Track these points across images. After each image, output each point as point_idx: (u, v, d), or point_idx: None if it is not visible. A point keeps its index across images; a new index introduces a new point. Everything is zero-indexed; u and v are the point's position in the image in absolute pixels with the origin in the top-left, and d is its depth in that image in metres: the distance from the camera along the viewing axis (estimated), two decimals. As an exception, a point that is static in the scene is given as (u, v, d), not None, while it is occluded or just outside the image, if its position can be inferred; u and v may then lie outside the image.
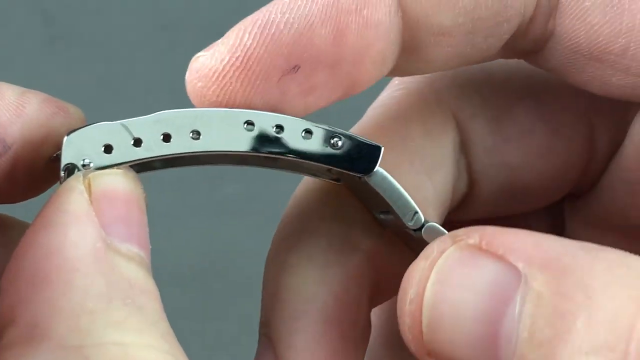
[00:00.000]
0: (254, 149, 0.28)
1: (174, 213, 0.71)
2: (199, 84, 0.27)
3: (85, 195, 0.26)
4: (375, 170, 0.28)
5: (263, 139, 0.28)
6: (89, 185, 0.26)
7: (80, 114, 0.29)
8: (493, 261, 0.25)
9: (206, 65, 0.28)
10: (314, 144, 0.28)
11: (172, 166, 0.29)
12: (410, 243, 0.29)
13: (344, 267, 0.30)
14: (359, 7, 0.27)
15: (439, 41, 0.28)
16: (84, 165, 0.27)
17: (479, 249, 0.26)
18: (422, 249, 0.26)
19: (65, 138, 0.27)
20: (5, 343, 0.24)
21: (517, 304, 0.25)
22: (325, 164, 0.28)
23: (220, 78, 0.27)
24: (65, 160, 0.27)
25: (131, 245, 0.26)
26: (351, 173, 0.28)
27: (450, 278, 0.26)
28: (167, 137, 0.27)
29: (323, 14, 0.27)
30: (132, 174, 0.27)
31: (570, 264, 0.25)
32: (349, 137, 0.28)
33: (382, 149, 0.28)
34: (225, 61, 0.27)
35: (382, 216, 0.30)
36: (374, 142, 0.28)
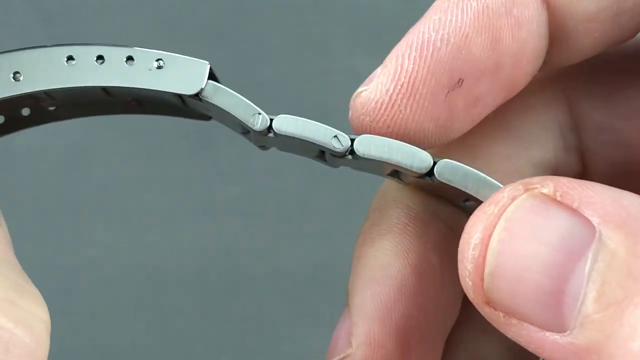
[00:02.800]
0: (77, 84, 0.26)
1: (174, 213, 0.71)
2: (367, 119, 0.27)
3: None
4: (204, 86, 0.27)
5: (86, 72, 0.26)
6: None
7: None
8: (567, 213, 0.24)
9: (371, 99, 0.27)
10: (138, 69, 0.26)
11: (19, 127, 0.28)
12: None
13: (422, 237, 0.29)
14: (508, 8, 0.27)
15: (586, 28, 0.27)
16: None
17: (553, 199, 0.25)
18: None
19: None
20: None
21: (589, 260, 0.24)
22: (150, 87, 0.26)
23: (388, 109, 0.27)
24: None
25: None
26: (180, 93, 0.27)
27: (519, 227, 0.24)
28: None
29: (476, 23, 0.27)
30: None
31: None
32: (173, 58, 0.27)
33: (209, 64, 0.27)
34: (390, 91, 0.27)
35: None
36: (200, 60, 0.27)
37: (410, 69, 0.27)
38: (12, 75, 0.26)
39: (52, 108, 0.28)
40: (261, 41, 0.74)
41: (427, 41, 0.27)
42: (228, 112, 0.27)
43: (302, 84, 0.73)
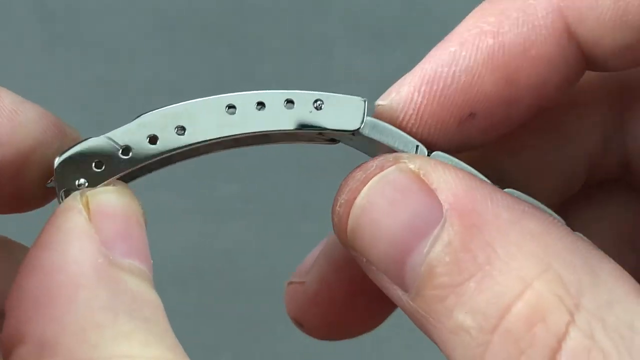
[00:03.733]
0: (241, 133, 0.28)
1: (173, 213, 0.71)
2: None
3: (84, 213, 0.26)
4: (364, 121, 0.28)
5: (247, 119, 0.28)
6: (87, 203, 0.27)
7: (77, 135, 0.29)
8: (423, 193, 0.26)
9: (385, 115, 0.28)
10: (298, 112, 0.27)
11: (168, 164, 0.29)
12: None
13: None
14: (526, 48, 0.27)
15: (622, 54, 0.27)
16: (79, 185, 0.27)
17: (416, 176, 0.26)
18: None
19: (56, 163, 0.27)
20: None
21: (429, 243, 0.25)
22: (314, 129, 0.28)
23: (402, 126, 0.28)
24: (60, 186, 0.27)
25: (132, 260, 0.26)
26: (342, 130, 0.28)
27: (378, 199, 0.26)
28: (153, 139, 0.27)
29: (489, 63, 0.27)
30: (127, 190, 0.27)
31: (489, 223, 0.25)
32: (331, 97, 0.28)
33: (365, 100, 0.28)
34: (400, 118, 0.28)
35: None
36: (355, 96, 0.28)
37: (419, 101, 0.28)
38: (175, 130, 0.27)
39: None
40: (261, 41, 0.74)
41: (439, 76, 0.27)
42: (384, 144, 0.28)
43: (302, 84, 0.73)
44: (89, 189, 0.27)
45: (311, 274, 0.31)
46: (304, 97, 0.28)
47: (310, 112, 0.28)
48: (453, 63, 0.27)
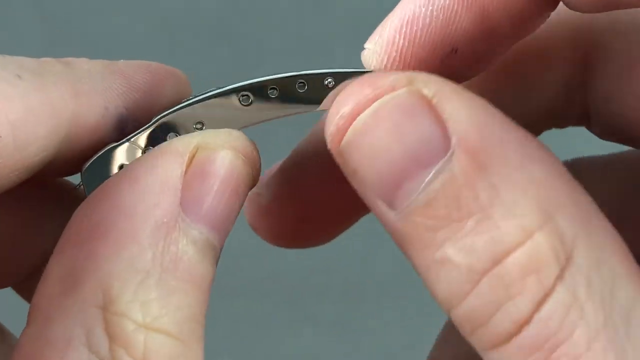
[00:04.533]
0: (259, 119, 0.28)
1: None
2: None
3: (183, 166, 0.26)
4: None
5: (263, 105, 0.28)
6: (194, 154, 0.26)
7: (185, 78, 0.30)
8: (432, 122, 0.25)
9: (370, 60, 0.28)
10: (310, 93, 0.28)
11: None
12: None
13: None
14: None
15: None
16: None
17: (427, 102, 0.25)
18: None
19: (83, 173, 0.28)
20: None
21: (431, 174, 0.25)
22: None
23: (387, 66, 0.28)
24: (89, 192, 0.27)
25: (203, 229, 0.26)
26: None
27: (385, 120, 0.26)
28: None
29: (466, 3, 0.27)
30: (248, 148, 0.27)
31: (497, 164, 0.25)
32: (340, 74, 0.28)
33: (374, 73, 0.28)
34: (384, 61, 0.28)
35: None
36: (363, 69, 0.28)
37: (400, 44, 0.28)
38: (194, 126, 0.28)
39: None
40: (261, 41, 0.74)
41: (417, 17, 0.27)
42: None
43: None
44: (209, 132, 0.27)
45: (266, 187, 0.31)
46: (313, 78, 0.28)
47: (323, 91, 0.28)
48: (430, 2, 0.27)
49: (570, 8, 0.27)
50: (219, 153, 0.27)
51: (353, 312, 0.74)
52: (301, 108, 0.28)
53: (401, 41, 0.27)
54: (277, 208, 0.32)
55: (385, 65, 0.28)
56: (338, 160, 0.26)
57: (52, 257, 0.25)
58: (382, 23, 0.28)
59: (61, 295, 0.25)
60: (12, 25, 0.74)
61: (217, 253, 0.27)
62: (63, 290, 0.25)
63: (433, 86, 0.26)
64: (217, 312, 0.74)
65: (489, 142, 0.25)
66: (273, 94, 0.28)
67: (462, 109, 0.25)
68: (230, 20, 0.73)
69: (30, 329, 0.25)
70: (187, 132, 0.28)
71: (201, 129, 0.28)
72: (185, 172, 0.26)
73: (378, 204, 0.26)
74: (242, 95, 0.28)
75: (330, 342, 0.73)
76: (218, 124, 0.28)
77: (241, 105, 0.28)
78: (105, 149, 0.28)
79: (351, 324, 0.74)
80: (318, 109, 0.28)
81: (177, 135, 0.28)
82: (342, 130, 0.26)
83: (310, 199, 0.31)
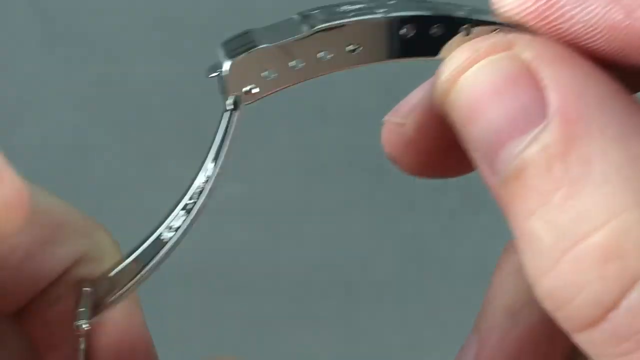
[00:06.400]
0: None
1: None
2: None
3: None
4: None
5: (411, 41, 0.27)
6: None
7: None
8: (531, 88, 0.25)
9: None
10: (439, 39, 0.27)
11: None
12: None
13: None
14: None
15: None
16: (246, 92, 0.27)
17: (526, 68, 0.25)
18: None
19: (230, 64, 0.27)
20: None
21: (527, 141, 0.24)
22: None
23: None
24: (231, 89, 0.27)
25: None
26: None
27: (483, 83, 0.25)
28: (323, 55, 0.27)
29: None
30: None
31: (593, 137, 0.24)
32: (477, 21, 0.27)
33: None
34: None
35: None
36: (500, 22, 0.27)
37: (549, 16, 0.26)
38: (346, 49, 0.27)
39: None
40: (261, 41, 0.73)
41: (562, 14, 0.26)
42: None
43: (302, 83, 0.73)
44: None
45: (411, 118, 0.29)
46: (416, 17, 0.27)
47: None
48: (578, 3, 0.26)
49: None
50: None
51: (353, 312, 0.74)
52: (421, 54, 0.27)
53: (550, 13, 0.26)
54: (422, 141, 0.30)
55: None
56: (444, 113, 0.26)
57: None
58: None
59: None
60: (12, 25, 0.74)
61: None
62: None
63: (533, 50, 0.25)
64: (216, 310, 0.74)
65: (588, 112, 0.24)
66: (406, 33, 0.27)
67: (562, 74, 0.25)
68: (230, 20, 0.73)
69: None
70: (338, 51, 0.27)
71: (353, 51, 0.27)
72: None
73: (482, 165, 0.25)
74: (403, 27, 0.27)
75: (330, 341, 0.73)
76: (370, 49, 0.27)
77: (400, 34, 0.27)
78: (249, 49, 0.27)
79: (351, 324, 0.74)
80: (437, 57, 0.27)
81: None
82: (447, 90, 0.26)
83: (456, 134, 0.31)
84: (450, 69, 0.26)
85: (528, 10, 0.26)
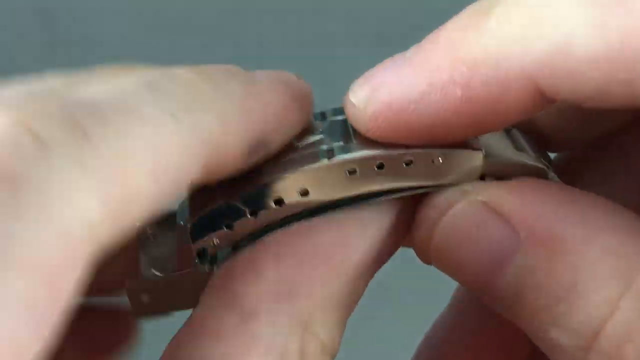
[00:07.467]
0: (362, 192, 0.28)
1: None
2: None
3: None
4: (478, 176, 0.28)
5: (369, 180, 0.28)
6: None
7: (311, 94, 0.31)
8: (498, 222, 0.26)
9: (355, 114, 0.29)
10: (417, 171, 0.28)
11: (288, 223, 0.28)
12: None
13: None
14: (494, 104, 0.26)
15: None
16: (212, 245, 0.28)
17: (486, 207, 0.27)
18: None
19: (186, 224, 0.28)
20: None
21: (512, 270, 0.26)
22: (433, 187, 0.28)
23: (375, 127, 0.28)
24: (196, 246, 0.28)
25: None
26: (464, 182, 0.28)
27: (455, 234, 0.27)
28: (278, 202, 0.28)
29: (457, 113, 0.27)
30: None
31: (567, 245, 0.26)
32: (449, 152, 0.27)
33: (482, 152, 0.28)
34: (368, 130, 0.28)
35: None
36: (473, 148, 0.28)
37: (382, 126, 0.28)
38: (299, 194, 0.28)
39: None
40: (261, 41, 0.73)
41: (403, 109, 0.27)
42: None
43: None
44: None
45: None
46: (421, 155, 0.27)
47: (429, 168, 0.28)
48: (419, 101, 0.27)
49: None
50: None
51: (353, 311, 0.73)
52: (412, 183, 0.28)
53: (383, 124, 0.27)
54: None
55: (369, 131, 0.28)
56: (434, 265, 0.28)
57: (266, 261, 0.27)
58: (366, 80, 0.29)
59: (276, 297, 0.26)
60: (12, 25, 0.74)
61: None
62: (277, 294, 0.26)
63: (484, 191, 0.27)
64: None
65: (553, 226, 0.26)
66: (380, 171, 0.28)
67: (516, 203, 0.26)
68: (230, 20, 0.73)
69: (220, 296, 0.27)
70: (289, 197, 0.27)
71: (307, 196, 0.28)
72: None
73: (481, 298, 0.27)
74: (349, 172, 0.28)
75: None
76: (323, 193, 0.28)
77: (347, 175, 0.28)
78: (207, 209, 0.28)
79: (351, 324, 0.74)
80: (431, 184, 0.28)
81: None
82: (427, 242, 0.28)
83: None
84: (419, 234, 0.28)
85: (386, 122, 0.27)
